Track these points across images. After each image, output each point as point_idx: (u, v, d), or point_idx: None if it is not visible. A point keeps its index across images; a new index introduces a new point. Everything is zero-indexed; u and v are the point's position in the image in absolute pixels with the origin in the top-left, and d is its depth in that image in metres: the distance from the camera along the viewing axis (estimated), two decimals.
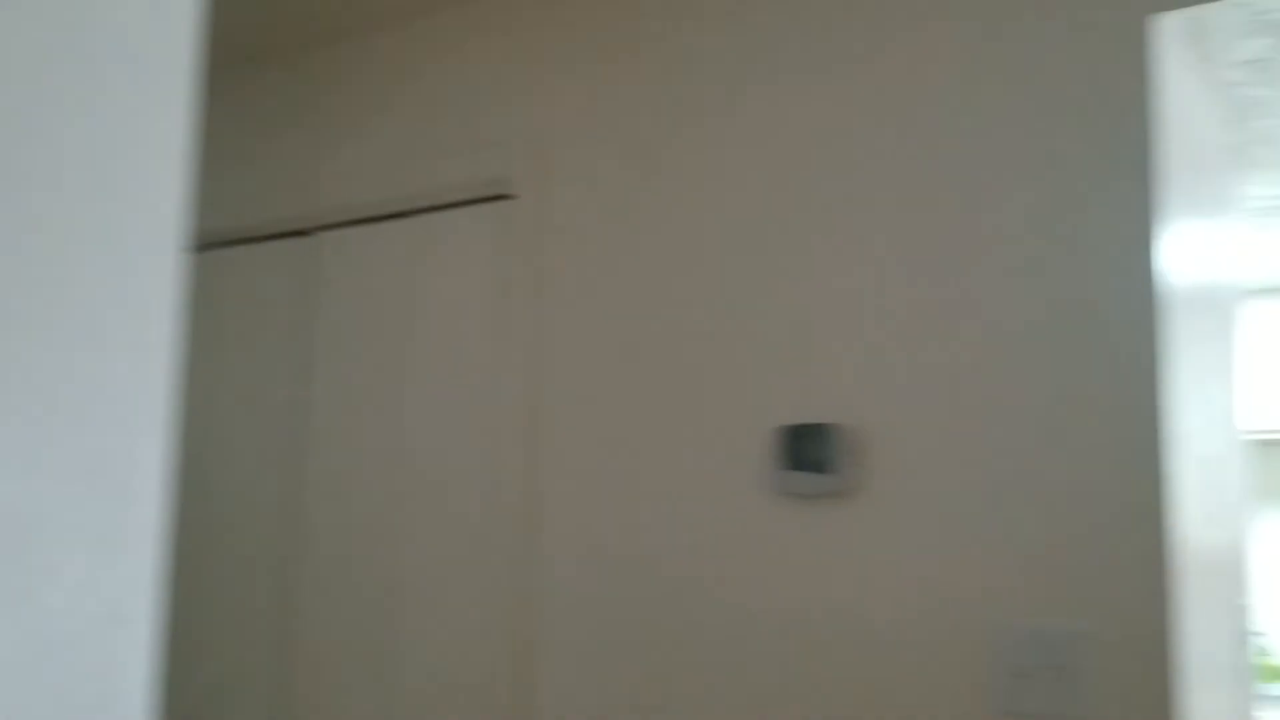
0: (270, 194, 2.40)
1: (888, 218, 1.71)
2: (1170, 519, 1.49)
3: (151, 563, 0.54)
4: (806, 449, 1.70)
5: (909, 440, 1.65)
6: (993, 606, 1.56)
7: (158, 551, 0.55)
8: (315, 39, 2.35)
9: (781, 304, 1.79)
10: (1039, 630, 1.52)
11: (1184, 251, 1.72)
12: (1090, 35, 1.58)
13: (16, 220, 0.49)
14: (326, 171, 2.36)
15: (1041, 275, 1.58)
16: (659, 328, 1.90)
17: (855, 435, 1.69)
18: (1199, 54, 1.78)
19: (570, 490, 1.95)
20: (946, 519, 1.61)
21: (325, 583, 2.22)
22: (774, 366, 1.78)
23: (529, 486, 1.99)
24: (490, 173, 2.10)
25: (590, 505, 1.93)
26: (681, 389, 1.87)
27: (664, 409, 1.88)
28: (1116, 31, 1.57)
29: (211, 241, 2.50)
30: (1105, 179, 1.55)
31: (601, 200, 2.00)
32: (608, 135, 2.01)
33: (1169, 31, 1.60)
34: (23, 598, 0.48)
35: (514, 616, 1.96)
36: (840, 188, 1.75)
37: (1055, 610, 1.52)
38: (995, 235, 1.62)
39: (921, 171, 1.69)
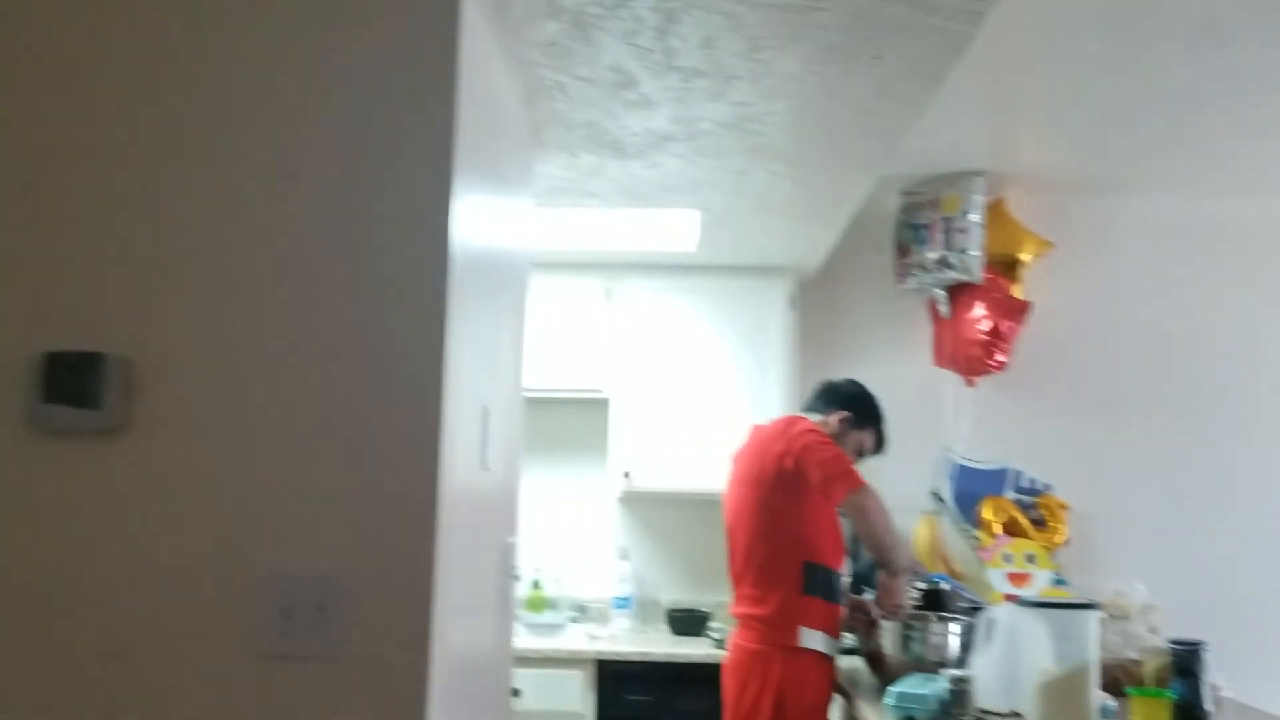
0: None
1: (190, 156, 1.58)
2: (443, 466, 1.58)
3: None
4: (71, 380, 1.51)
5: (189, 377, 1.55)
6: (264, 548, 1.52)
7: None
8: None
9: (49, 221, 1.57)
10: (306, 571, 1.51)
11: (478, 220, 1.83)
12: None
13: None
14: None
15: (340, 232, 1.57)
16: None
17: (129, 367, 1.53)
18: (502, 29, 1.89)
19: None
20: (223, 459, 1.53)
21: None
22: (32, 287, 1.55)
23: None
24: None
25: None
26: None
27: None
28: None
29: None
30: (407, 142, 1.58)
31: None
32: None
33: (475, 2, 1.68)
34: None
35: None
36: (139, 115, 1.59)
37: (327, 551, 1.53)
38: (297, 187, 1.58)
39: (232, 113, 1.59)
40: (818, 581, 2.86)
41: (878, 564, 2.92)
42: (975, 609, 3.08)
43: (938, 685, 2.42)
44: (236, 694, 1.50)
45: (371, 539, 1.54)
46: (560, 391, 4.03)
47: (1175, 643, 2.25)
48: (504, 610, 2.34)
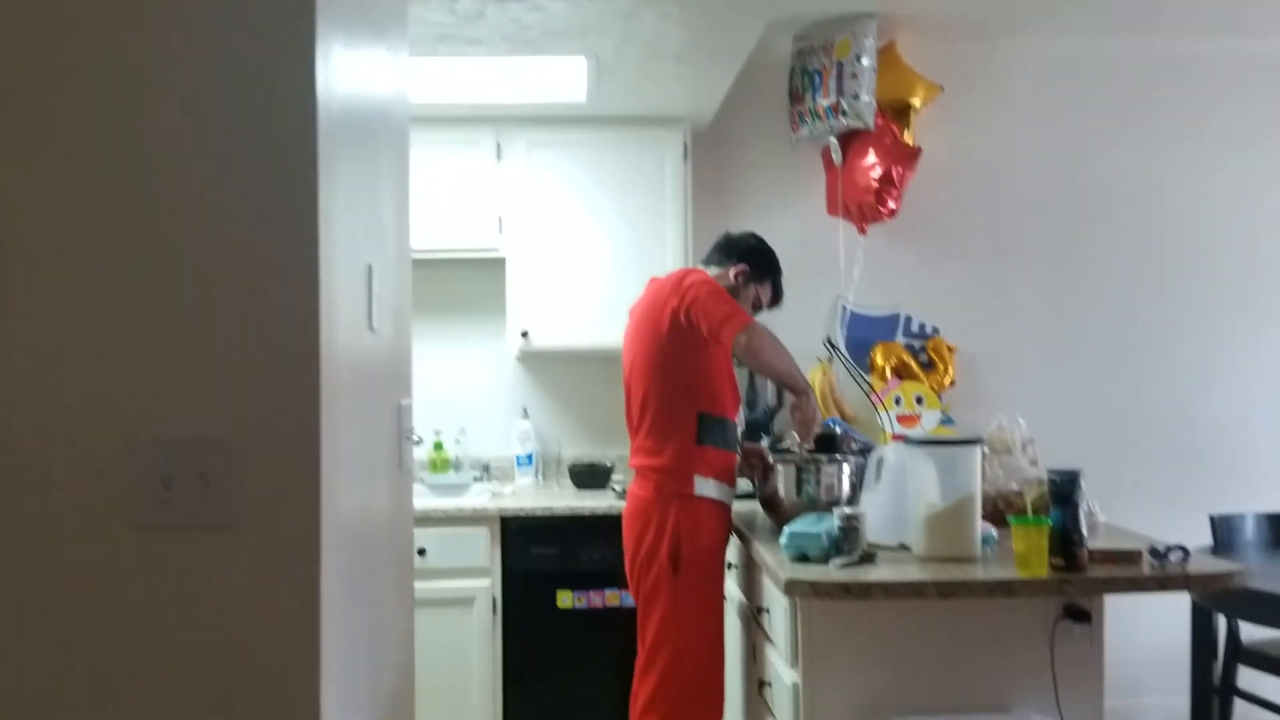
0: None
1: (33, 18, 1.45)
2: (323, 327, 1.53)
3: None
4: None
5: (50, 244, 1.45)
6: (139, 417, 1.46)
7: None
8: None
9: None
10: (186, 439, 1.46)
11: (346, 70, 1.72)
12: None
13: None
14: None
15: (203, 90, 1.47)
16: None
17: None
18: None
19: None
20: (92, 327, 1.45)
21: None
22: None
23: None
24: None
25: None
26: None
27: None
28: None
29: None
30: None
31: None
32: None
33: None
34: None
35: None
36: None
37: (207, 419, 1.47)
38: (147, 41, 1.46)
39: None
40: (711, 431, 2.91)
41: (785, 390, 2.97)
42: (866, 450, 3.18)
43: (829, 523, 2.50)
44: (116, 565, 1.45)
45: (253, 404, 1.49)
46: (454, 252, 3.94)
47: (1053, 472, 2.34)
48: (401, 472, 2.32)
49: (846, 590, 2.26)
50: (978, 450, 2.50)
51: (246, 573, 1.49)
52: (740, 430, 3.14)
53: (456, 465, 4.17)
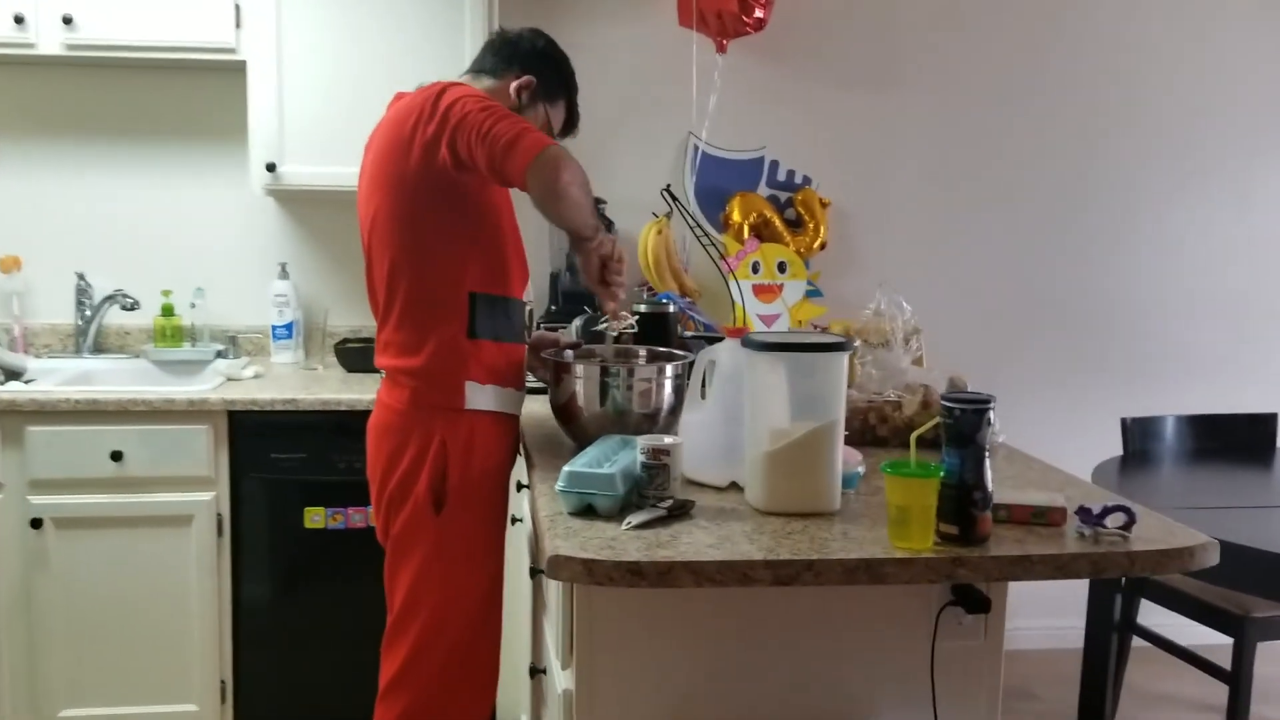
0: None
1: None
2: None
3: None
4: None
5: None
6: None
7: None
8: None
9: None
10: None
11: None
12: None
13: None
14: None
15: None
16: None
17: None
18: None
19: None
20: None
21: None
22: None
23: None
24: None
25: None
26: None
27: None
28: None
29: None
30: None
31: None
32: None
33: None
34: None
35: None
36: None
37: None
38: None
39: None
40: (491, 316, 2.05)
41: (575, 239, 2.02)
42: (708, 338, 2.40)
43: (625, 458, 1.71)
44: None
45: None
46: (175, 50, 2.92)
47: (952, 399, 1.58)
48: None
49: (638, 573, 1.47)
50: (845, 359, 1.72)
51: None
52: (531, 307, 2.31)
53: (193, 336, 3.25)
